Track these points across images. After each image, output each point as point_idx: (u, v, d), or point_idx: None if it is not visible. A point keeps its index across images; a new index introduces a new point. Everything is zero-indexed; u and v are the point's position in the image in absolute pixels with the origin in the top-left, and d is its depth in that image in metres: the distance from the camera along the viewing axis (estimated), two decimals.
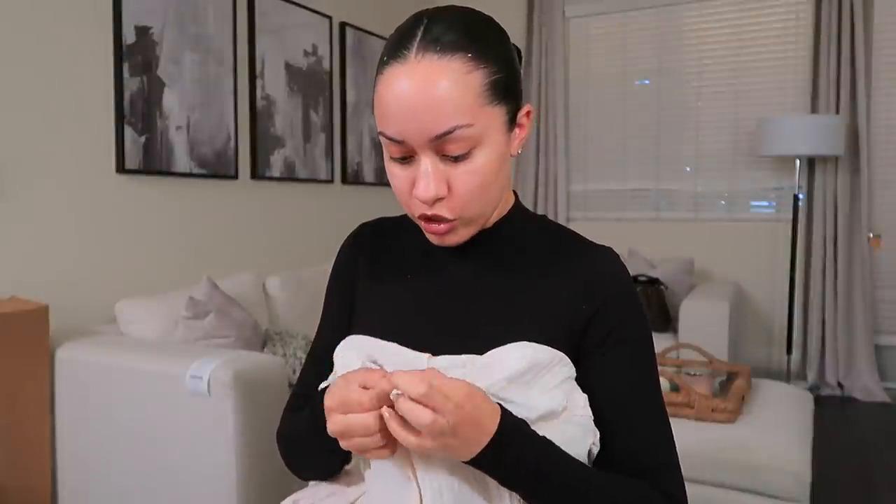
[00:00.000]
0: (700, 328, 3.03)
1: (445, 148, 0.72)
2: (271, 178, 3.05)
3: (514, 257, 0.83)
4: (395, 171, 0.77)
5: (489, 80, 0.72)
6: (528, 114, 0.80)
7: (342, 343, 0.83)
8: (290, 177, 3.16)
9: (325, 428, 0.72)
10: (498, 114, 0.74)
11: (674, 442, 0.81)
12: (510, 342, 0.76)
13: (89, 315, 2.27)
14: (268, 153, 3.03)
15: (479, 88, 0.71)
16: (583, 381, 0.79)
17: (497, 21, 0.79)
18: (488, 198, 0.77)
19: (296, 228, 3.26)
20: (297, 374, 2.30)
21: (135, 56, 2.38)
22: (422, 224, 0.79)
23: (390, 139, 0.74)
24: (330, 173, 3.44)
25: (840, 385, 3.58)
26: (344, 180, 3.56)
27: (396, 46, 0.73)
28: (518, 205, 0.88)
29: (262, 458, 1.77)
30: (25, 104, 2.09)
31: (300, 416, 0.87)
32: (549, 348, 0.75)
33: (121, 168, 2.35)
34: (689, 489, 1.81)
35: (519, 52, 0.83)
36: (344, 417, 0.68)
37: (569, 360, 0.77)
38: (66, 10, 2.19)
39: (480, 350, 0.76)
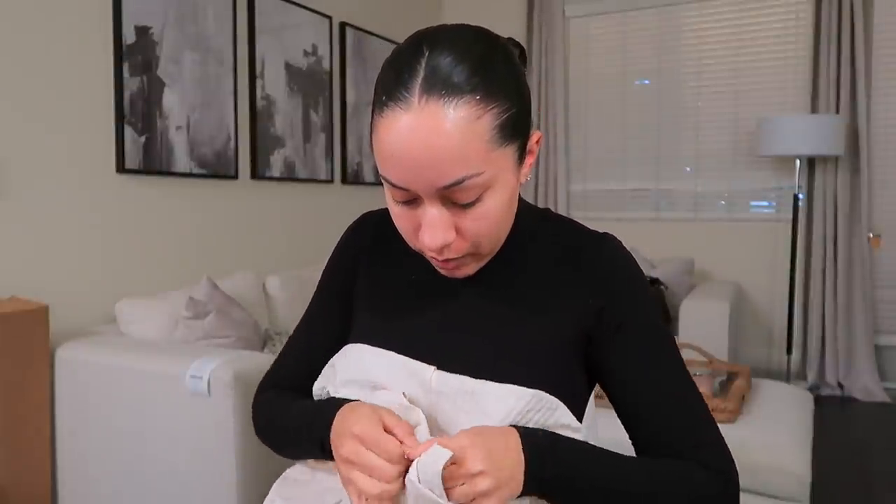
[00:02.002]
0: (700, 328, 3.03)
1: (454, 196, 0.68)
2: (271, 178, 3.05)
3: (520, 260, 0.82)
4: (397, 212, 0.73)
5: (499, 121, 0.67)
6: (537, 140, 0.76)
7: (344, 352, 0.82)
8: (290, 177, 3.16)
9: (318, 441, 0.75)
10: (508, 153, 0.69)
11: (711, 416, 0.79)
12: (517, 350, 0.75)
13: (89, 315, 2.27)
14: (268, 153, 3.03)
15: (488, 134, 0.66)
16: (605, 370, 0.79)
17: (501, 38, 0.73)
18: (499, 234, 0.75)
19: (296, 228, 3.26)
20: None
21: (135, 56, 2.38)
22: (431, 260, 0.76)
23: (394, 186, 0.69)
24: (330, 173, 3.44)
25: (840, 385, 3.58)
26: (344, 180, 3.56)
27: (396, 84, 0.66)
28: (521, 208, 0.84)
29: (262, 458, 1.77)
30: (25, 104, 2.08)
31: (292, 408, 0.85)
32: (546, 395, 0.73)
33: (121, 168, 2.35)
34: None
35: (522, 51, 0.79)
36: (366, 452, 0.68)
37: (565, 409, 0.75)
38: (66, 10, 2.18)
39: (485, 360, 0.75)
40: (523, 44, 4.22)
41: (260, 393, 0.94)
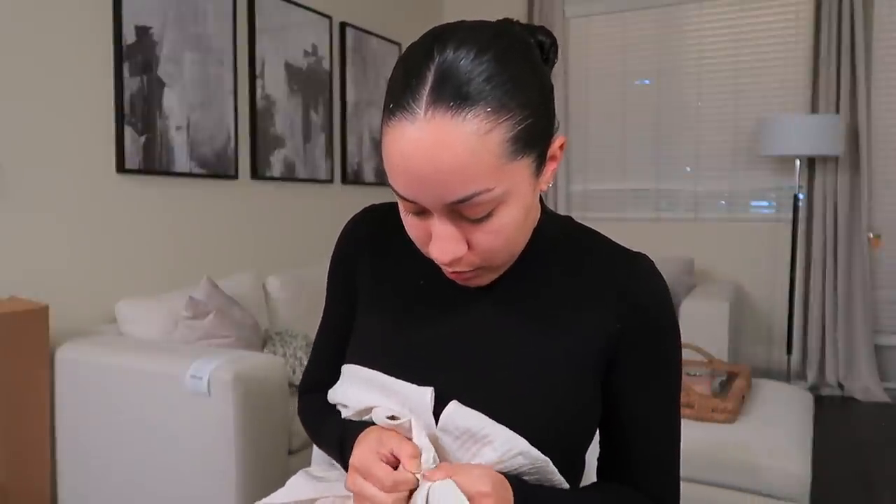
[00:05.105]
0: (700, 328, 3.03)
1: (463, 211, 0.64)
2: (271, 178, 3.05)
3: (541, 272, 0.77)
4: (409, 222, 0.70)
5: (512, 133, 0.62)
6: (561, 145, 0.71)
7: (342, 380, 0.81)
8: (290, 177, 3.16)
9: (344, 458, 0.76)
10: (523, 165, 0.65)
11: (679, 457, 0.80)
12: (532, 374, 0.72)
13: (89, 315, 2.27)
14: (268, 153, 3.03)
15: (498, 148, 0.61)
16: (608, 392, 0.77)
17: (525, 35, 0.68)
18: (514, 247, 0.71)
19: (296, 228, 3.26)
20: (297, 374, 2.30)
21: (135, 56, 2.38)
22: (443, 269, 0.72)
23: (401, 197, 0.67)
24: (330, 173, 3.44)
25: (840, 385, 3.58)
26: (344, 180, 3.56)
27: (403, 92, 0.62)
28: (543, 216, 0.79)
29: (262, 458, 1.77)
30: (25, 104, 2.08)
31: (324, 430, 0.85)
32: (549, 466, 0.71)
33: (121, 168, 2.35)
34: (690, 489, 1.81)
35: (554, 43, 0.72)
36: (362, 483, 0.69)
37: (551, 466, 0.73)
38: (66, 10, 2.18)
39: (495, 384, 0.72)
40: None
41: (299, 399, 0.96)
